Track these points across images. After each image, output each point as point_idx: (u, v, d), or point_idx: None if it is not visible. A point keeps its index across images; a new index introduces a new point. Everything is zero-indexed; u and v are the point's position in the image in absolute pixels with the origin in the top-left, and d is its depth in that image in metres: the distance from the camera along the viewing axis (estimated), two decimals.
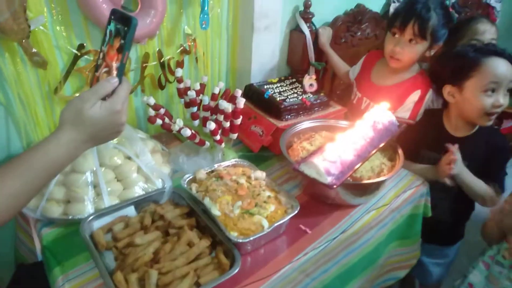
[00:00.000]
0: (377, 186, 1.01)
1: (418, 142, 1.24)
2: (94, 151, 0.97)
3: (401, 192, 1.09)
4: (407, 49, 1.23)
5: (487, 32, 1.39)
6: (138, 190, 0.99)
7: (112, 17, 0.66)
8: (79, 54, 1.08)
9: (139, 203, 0.94)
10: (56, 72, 1.07)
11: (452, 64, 1.16)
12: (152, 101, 1.13)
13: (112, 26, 0.65)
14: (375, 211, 1.02)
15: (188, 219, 0.89)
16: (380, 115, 1.08)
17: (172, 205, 0.94)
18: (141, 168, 1.01)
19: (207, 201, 0.90)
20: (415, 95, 1.29)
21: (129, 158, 1.02)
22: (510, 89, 1.09)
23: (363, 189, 1.00)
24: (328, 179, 0.88)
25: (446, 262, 1.40)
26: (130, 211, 0.92)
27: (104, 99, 0.63)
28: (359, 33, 1.65)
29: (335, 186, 0.87)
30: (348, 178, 0.93)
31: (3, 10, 0.85)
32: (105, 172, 0.96)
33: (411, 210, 1.12)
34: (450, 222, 1.29)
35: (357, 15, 1.61)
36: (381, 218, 1.02)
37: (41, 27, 0.99)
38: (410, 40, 1.22)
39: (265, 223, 0.86)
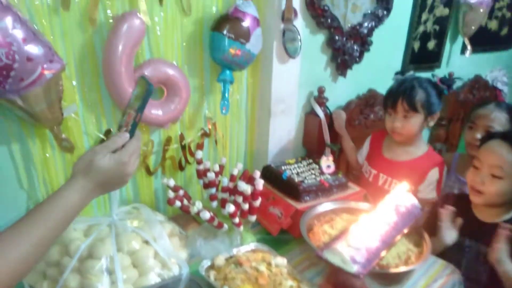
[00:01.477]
0: (405, 274, 0.96)
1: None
2: (112, 235, 0.96)
3: (432, 281, 1.02)
4: (404, 124, 1.32)
5: (482, 118, 1.43)
6: (154, 276, 0.95)
7: (139, 82, 0.75)
8: (105, 139, 1.12)
9: None
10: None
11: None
12: (172, 183, 1.14)
13: (136, 91, 0.74)
14: None
15: None
16: (401, 197, 1.06)
17: None
18: (158, 253, 0.98)
19: None
20: (435, 173, 1.35)
21: (146, 242, 1.00)
22: (494, 175, 1.09)
23: (391, 278, 0.95)
24: (354, 268, 0.83)
25: None
26: None
27: (115, 152, 0.69)
28: (372, 116, 1.71)
29: (362, 276, 0.82)
30: (375, 266, 0.88)
31: (40, 101, 0.91)
32: (122, 258, 0.93)
33: None
34: None
35: (369, 99, 1.68)
36: None
37: (72, 115, 1.05)
38: (405, 116, 1.31)
39: None
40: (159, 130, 1.24)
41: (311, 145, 1.60)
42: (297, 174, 1.30)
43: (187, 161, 1.33)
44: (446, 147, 1.99)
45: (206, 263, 0.96)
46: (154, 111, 1.12)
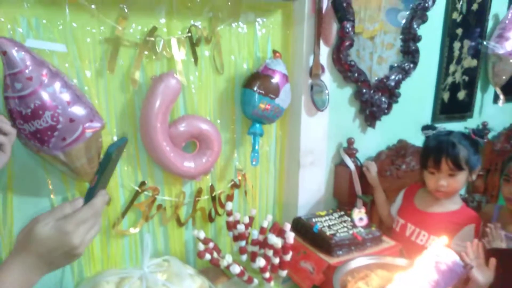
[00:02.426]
0: None
1: (491, 284, 1.11)
2: None
3: None
4: (450, 182, 1.28)
5: None
6: None
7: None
8: (139, 190, 1.16)
9: None
10: (116, 207, 1.14)
11: None
12: (202, 235, 1.14)
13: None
14: None
15: None
16: (441, 254, 1.01)
17: None
18: None
19: None
20: (471, 228, 1.28)
21: None
22: None
23: None
24: None
25: None
26: None
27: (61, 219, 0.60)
28: (403, 166, 1.67)
29: None
30: None
31: (81, 156, 0.96)
32: None
33: None
34: None
35: (400, 150, 1.66)
36: None
37: None
38: (450, 175, 1.27)
39: None
40: (191, 181, 1.27)
41: (342, 196, 1.57)
42: (329, 227, 1.27)
43: (217, 212, 1.34)
44: (485, 198, 1.90)
45: None
46: (187, 163, 1.16)
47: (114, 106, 1.09)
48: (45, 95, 0.86)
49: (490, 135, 2.00)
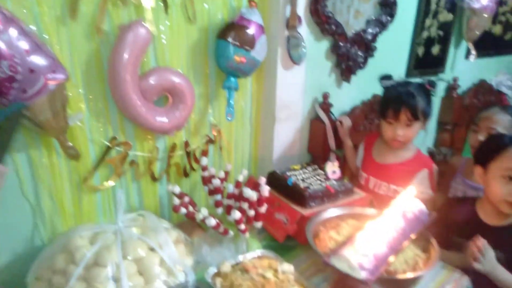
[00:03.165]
0: (413, 280, 0.95)
1: (449, 229, 1.19)
2: (118, 243, 0.96)
3: (440, 287, 1.01)
4: (406, 131, 1.33)
5: (485, 120, 1.45)
6: (160, 284, 0.94)
7: None
8: (111, 146, 1.13)
9: None
10: (87, 163, 1.11)
11: (484, 144, 1.21)
12: (177, 189, 1.14)
13: None
14: None
15: None
16: (408, 203, 1.05)
17: None
18: (164, 261, 0.98)
19: None
20: (424, 173, 1.36)
21: (152, 249, 0.99)
22: None
23: (399, 284, 0.93)
24: (363, 274, 0.83)
25: None
26: None
27: None
28: (376, 121, 1.70)
29: (370, 282, 0.82)
30: (383, 273, 0.87)
31: (45, 110, 0.91)
32: (128, 265, 0.93)
33: None
34: None
35: (374, 104, 1.68)
36: None
37: (78, 123, 1.06)
38: (407, 124, 1.32)
39: None
40: (164, 137, 1.25)
41: (316, 151, 1.60)
42: (303, 180, 1.30)
43: (192, 168, 1.33)
44: (451, 151, 1.99)
45: (212, 270, 0.96)
46: (159, 118, 1.12)
47: (79, 57, 1.02)
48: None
49: (459, 91, 2.05)
